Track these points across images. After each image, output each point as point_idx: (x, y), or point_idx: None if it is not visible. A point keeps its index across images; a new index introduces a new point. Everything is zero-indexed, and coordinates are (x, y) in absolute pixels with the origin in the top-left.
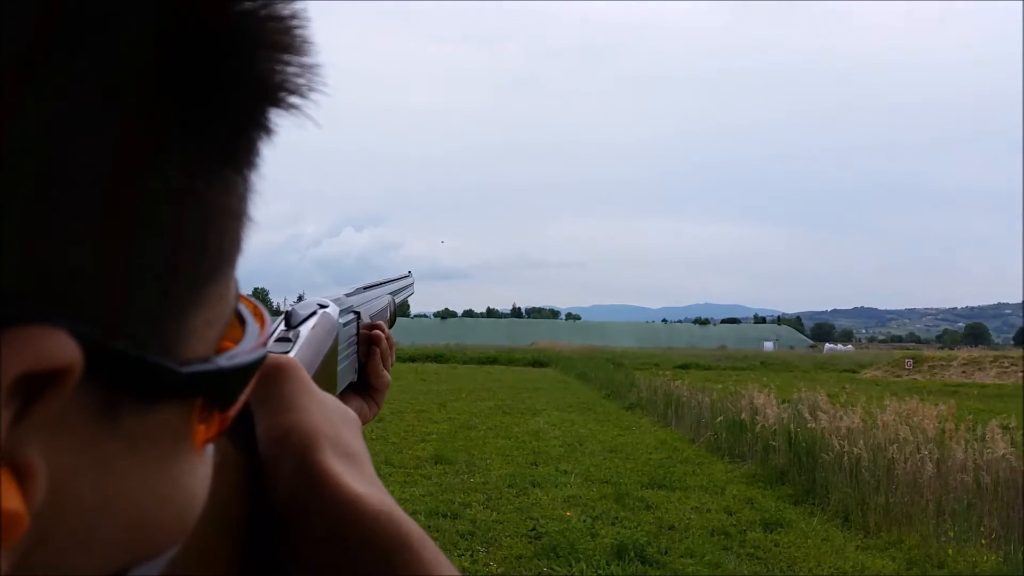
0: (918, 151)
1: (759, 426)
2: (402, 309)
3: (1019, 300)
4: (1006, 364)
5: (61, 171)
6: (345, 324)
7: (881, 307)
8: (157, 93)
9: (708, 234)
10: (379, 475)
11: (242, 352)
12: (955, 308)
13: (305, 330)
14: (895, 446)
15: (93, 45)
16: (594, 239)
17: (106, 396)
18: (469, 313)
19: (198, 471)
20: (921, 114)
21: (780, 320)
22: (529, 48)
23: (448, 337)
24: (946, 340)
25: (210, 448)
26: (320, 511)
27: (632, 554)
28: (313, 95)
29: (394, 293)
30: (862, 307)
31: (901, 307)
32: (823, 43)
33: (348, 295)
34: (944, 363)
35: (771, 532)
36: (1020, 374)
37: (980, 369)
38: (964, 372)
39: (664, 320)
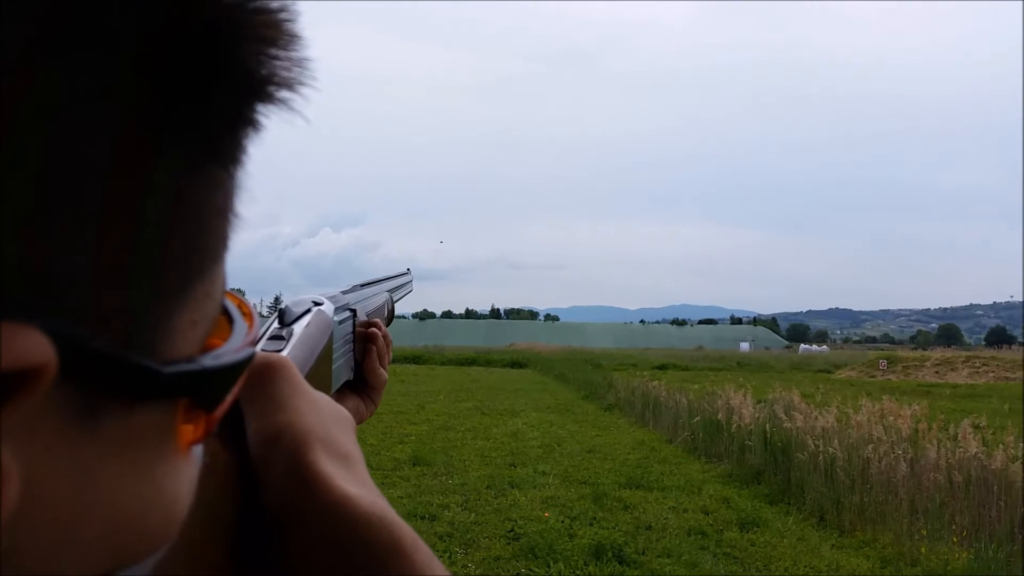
0: (893, 153)
1: (735, 426)
2: None
3: (990, 301)
4: (978, 364)
5: (36, 166)
6: (340, 322)
7: (856, 308)
8: (138, 87)
9: (686, 236)
10: None
11: (228, 351)
12: (928, 309)
13: (299, 328)
14: (870, 446)
15: (76, 40)
16: (573, 240)
17: (85, 397)
18: (448, 314)
19: (183, 474)
20: (897, 116)
21: (756, 321)
22: (509, 50)
23: (426, 338)
24: (919, 341)
25: (197, 450)
26: (312, 513)
27: (610, 554)
28: (302, 90)
29: (392, 291)
30: (837, 308)
31: (875, 308)
32: (798, 44)
33: (344, 292)
34: (917, 363)
35: (747, 531)
36: (1003, 375)
37: (953, 369)
38: (937, 372)
39: (642, 321)
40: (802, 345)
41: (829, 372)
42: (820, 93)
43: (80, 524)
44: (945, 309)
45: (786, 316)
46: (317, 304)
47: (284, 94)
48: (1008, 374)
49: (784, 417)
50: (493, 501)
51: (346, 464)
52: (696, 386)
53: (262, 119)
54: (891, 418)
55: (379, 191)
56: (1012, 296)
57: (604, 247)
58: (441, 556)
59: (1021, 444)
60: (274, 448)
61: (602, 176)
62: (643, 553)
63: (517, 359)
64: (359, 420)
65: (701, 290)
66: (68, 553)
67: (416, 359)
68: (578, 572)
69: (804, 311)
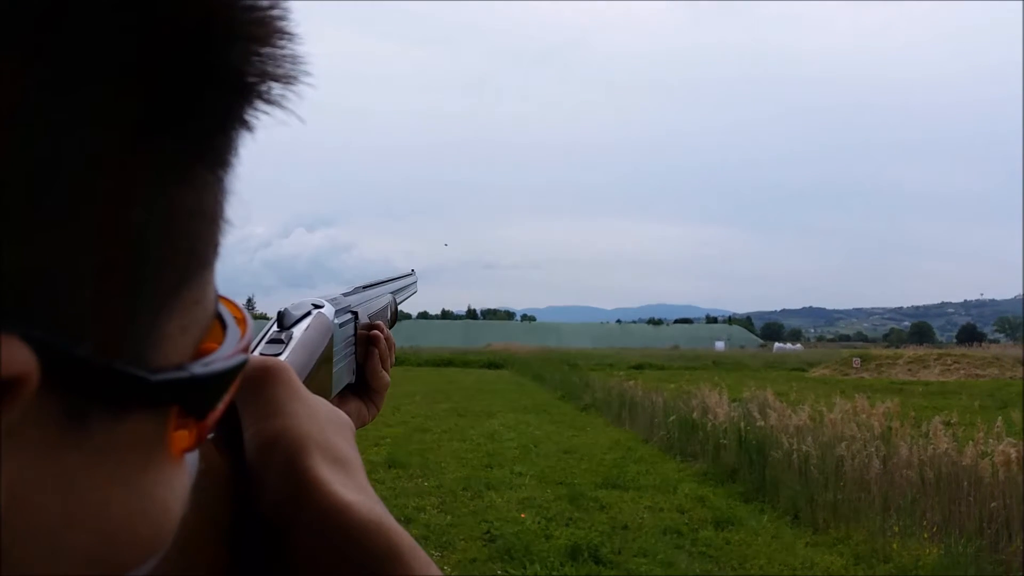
0: (866, 154)
1: (710, 425)
2: None
3: (961, 299)
4: (949, 362)
5: (16, 168)
6: (341, 324)
7: (829, 307)
8: (122, 89)
9: (661, 235)
10: None
11: (219, 358)
12: (901, 308)
13: (298, 331)
14: (843, 443)
15: (56, 42)
16: (549, 240)
17: (70, 405)
18: (424, 315)
19: (174, 481)
20: (870, 117)
21: (731, 320)
22: (485, 51)
23: (402, 339)
24: (892, 339)
25: (190, 457)
26: (309, 519)
27: (586, 554)
28: (295, 89)
29: (395, 292)
30: (811, 307)
31: (849, 307)
32: (775, 45)
33: (346, 295)
34: (890, 361)
35: (722, 530)
36: (974, 372)
37: (925, 367)
38: (910, 370)
39: (618, 321)
40: (776, 344)
41: (803, 371)
42: (796, 94)
43: (67, 533)
44: (917, 307)
45: (761, 315)
46: (317, 307)
47: (277, 94)
48: (978, 371)
49: (758, 416)
50: (469, 503)
51: (343, 469)
52: (672, 385)
53: (254, 120)
54: (864, 416)
55: (353, 191)
56: (982, 294)
57: (580, 247)
58: None
59: (1022, 442)
60: (271, 453)
61: (578, 175)
62: (619, 553)
63: (494, 360)
64: (361, 424)
65: (677, 289)
66: (56, 562)
67: None
68: (554, 573)
69: (778, 310)
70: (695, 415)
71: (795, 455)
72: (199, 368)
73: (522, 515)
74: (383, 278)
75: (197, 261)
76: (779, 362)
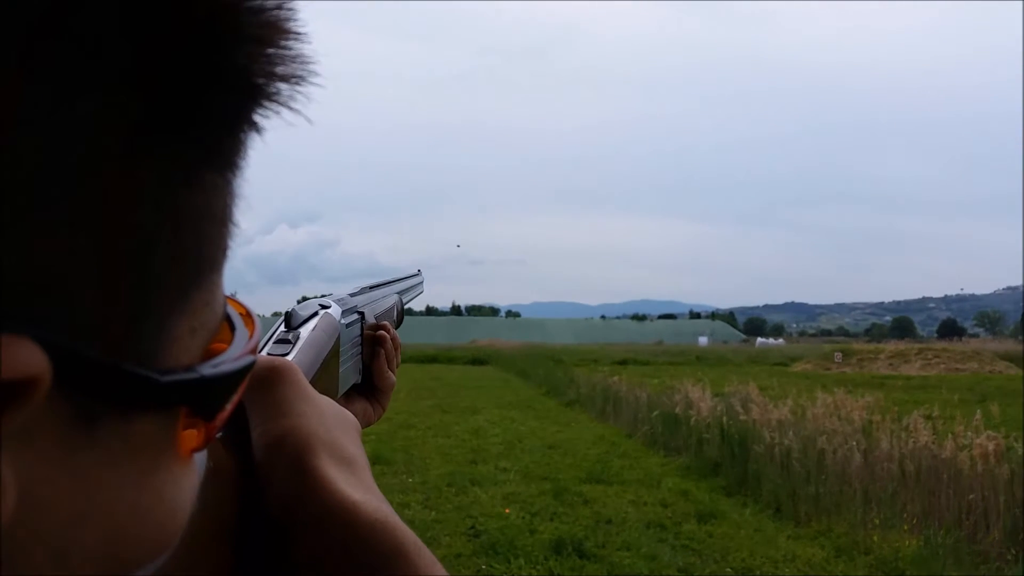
0: (847, 149)
1: (693, 419)
2: None
3: (942, 294)
4: (930, 356)
5: (25, 170)
6: (348, 325)
7: (811, 302)
8: (128, 92)
9: (645, 231)
10: None
11: (227, 360)
12: (882, 302)
13: (305, 332)
14: (824, 437)
15: (60, 43)
16: (533, 236)
17: (81, 406)
18: (408, 311)
19: (183, 482)
20: (851, 112)
21: (714, 315)
22: (468, 46)
23: None
24: (874, 334)
25: (199, 457)
26: (315, 519)
27: (570, 548)
28: (302, 90)
29: (402, 292)
30: (793, 302)
31: (831, 302)
32: (755, 40)
33: (352, 295)
34: (872, 356)
35: (705, 523)
36: (954, 366)
37: (906, 361)
38: (891, 364)
39: (603, 316)
40: (759, 339)
41: (785, 365)
42: (776, 89)
43: (76, 533)
44: (899, 302)
45: (743, 310)
46: (324, 307)
47: (285, 95)
48: (958, 365)
49: (741, 410)
50: (454, 498)
51: (350, 469)
52: (656, 380)
53: (262, 121)
54: (845, 410)
55: (337, 187)
56: (962, 289)
57: (564, 243)
58: None
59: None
60: (277, 453)
61: (561, 172)
62: (603, 547)
63: (478, 356)
64: (367, 423)
65: (661, 285)
66: (67, 560)
67: None
68: (538, 567)
69: (761, 305)
70: (678, 410)
71: (777, 449)
72: (208, 369)
73: (506, 510)
74: (389, 278)
75: (206, 263)
76: (761, 357)
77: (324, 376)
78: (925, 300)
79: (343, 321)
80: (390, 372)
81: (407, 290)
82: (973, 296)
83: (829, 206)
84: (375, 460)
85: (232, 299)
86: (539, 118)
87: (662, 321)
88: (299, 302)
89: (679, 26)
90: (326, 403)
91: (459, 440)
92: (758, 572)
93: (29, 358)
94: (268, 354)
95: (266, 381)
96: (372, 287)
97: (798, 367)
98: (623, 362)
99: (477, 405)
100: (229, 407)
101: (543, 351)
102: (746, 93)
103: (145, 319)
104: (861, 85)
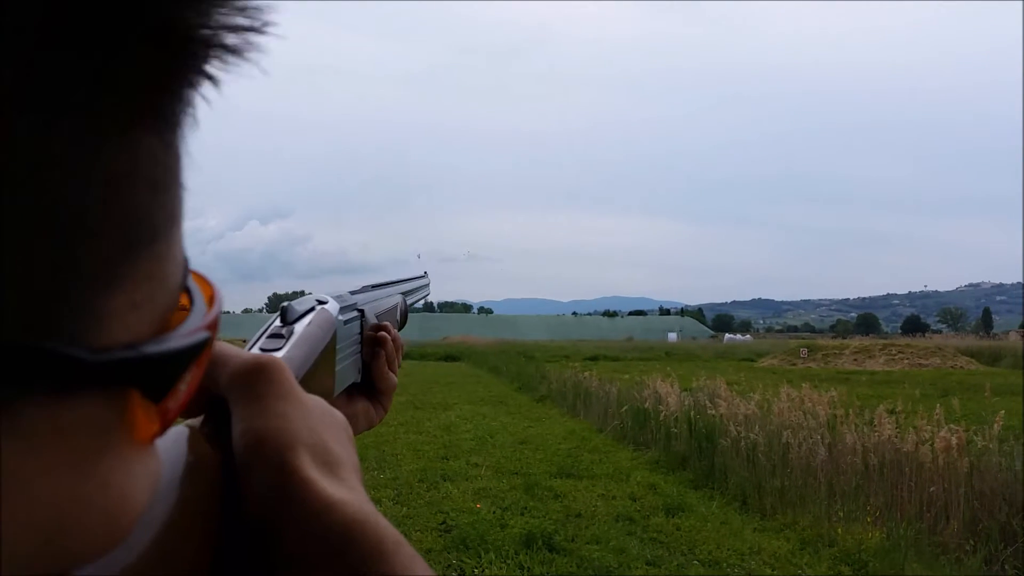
0: (812, 146)
1: (662, 414)
2: None
3: (906, 291)
4: (894, 352)
5: None
6: (346, 322)
7: (778, 298)
8: (50, 41)
9: (616, 228)
10: None
11: (176, 336)
12: (847, 299)
13: (300, 327)
14: (789, 431)
15: None
16: (505, 233)
17: None
18: None
19: (135, 468)
20: (818, 113)
21: (683, 312)
22: (440, 45)
23: None
24: (839, 330)
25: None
26: (294, 518)
27: (540, 543)
28: (253, 41)
29: (406, 293)
30: (760, 299)
31: (797, 298)
32: (720, 41)
33: (353, 293)
34: (837, 352)
35: (673, 516)
36: (917, 361)
37: (870, 357)
38: (855, 360)
39: (574, 313)
40: (727, 335)
41: (752, 361)
42: (745, 91)
43: (5, 525)
44: (863, 299)
45: (712, 307)
46: (321, 303)
47: (230, 46)
48: (922, 360)
49: (709, 404)
50: (425, 494)
51: (332, 469)
52: (626, 376)
53: (208, 76)
54: (810, 405)
55: (308, 183)
56: (926, 286)
57: (536, 240)
58: None
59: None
60: (258, 452)
61: (533, 170)
62: (573, 540)
63: (451, 352)
64: (369, 424)
65: (631, 282)
66: None
67: None
68: (509, 562)
69: (729, 302)
70: (647, 405)
71: (743, 443)
72: (151, 347)
73: (477, 505)
74: (394, 279)
75: (145, 233)
76: (729, 352)
77: (318, 373)
78: (889, 297)
79: (341, 318)
80: (391, 373)
81: (412, 292)
82: (936, 293)
83: (796, 205)
84: None
85: (197, 274)
86: (513, 117)
87: (632, 318)
88: (273, 297)
89: (648, 26)
90: (313, 403)
91: (431, 436)
92: (724, 564)
93: None
94: (261, 348)
95: (251, 378)
96: (375, 286)
97: (765, 362)
98: (594, 358)
99: (449, 401)
100: (184, 387)
101: (515, 347)
102: (716, 95)
103: (69, 293)
104: (828, 87)
